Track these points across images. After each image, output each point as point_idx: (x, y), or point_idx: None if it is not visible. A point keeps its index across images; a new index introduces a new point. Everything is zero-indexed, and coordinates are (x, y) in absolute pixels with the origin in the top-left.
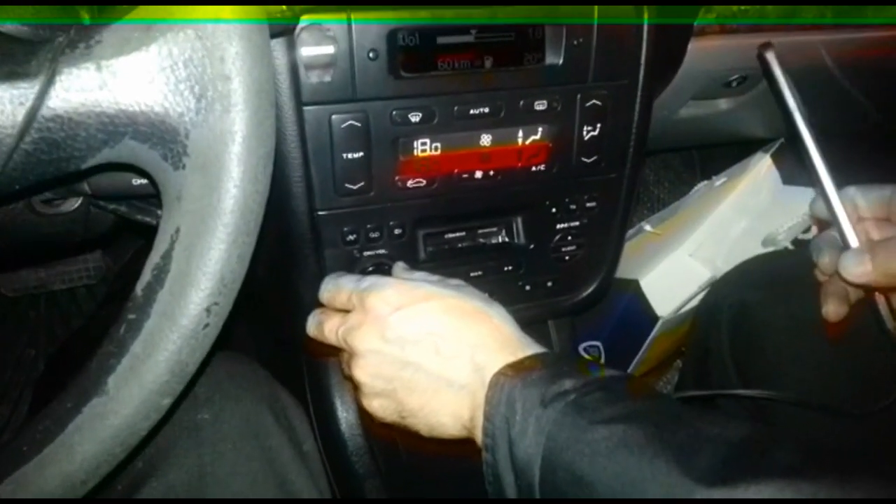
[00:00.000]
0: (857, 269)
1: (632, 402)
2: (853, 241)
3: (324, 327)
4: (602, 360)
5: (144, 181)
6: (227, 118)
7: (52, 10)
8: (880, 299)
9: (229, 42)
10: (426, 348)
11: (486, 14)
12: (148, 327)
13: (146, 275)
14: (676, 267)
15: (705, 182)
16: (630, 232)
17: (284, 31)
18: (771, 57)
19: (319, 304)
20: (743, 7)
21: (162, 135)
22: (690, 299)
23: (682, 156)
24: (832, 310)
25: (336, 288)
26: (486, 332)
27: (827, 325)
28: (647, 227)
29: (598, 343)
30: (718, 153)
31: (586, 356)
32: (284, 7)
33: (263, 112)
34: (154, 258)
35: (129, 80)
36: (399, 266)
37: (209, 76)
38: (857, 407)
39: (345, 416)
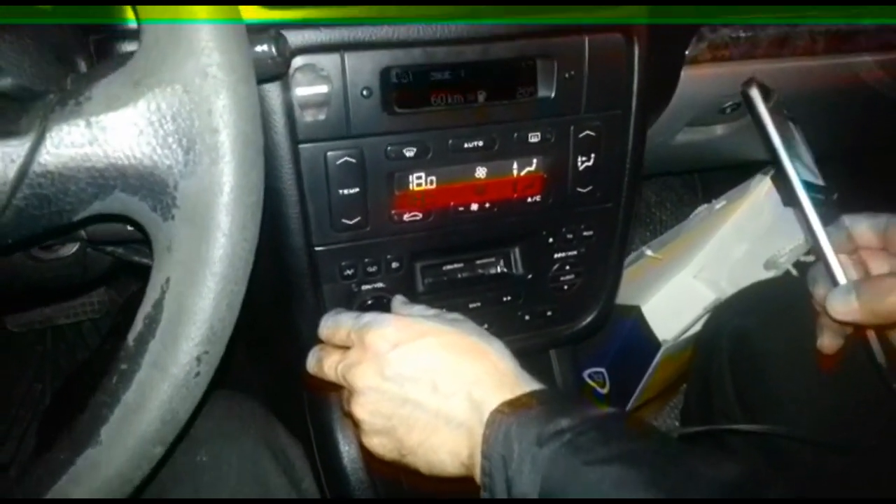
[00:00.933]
0: (843, 309)
1: (627, 441)
2: (840, 278)
3: (323, 364)
4: (607, 387)
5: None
6: (214, 170)
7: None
8: (871, 335)
9: (216, 95)
10: (424, 386)
11: (477, 51)
12: (139, 378)
13: (138, 324)
14: (680, 290)
15: (705, 205)
16: (631, 257)
17: (276, 76)
18: (755, 94)
19: (319, 340)
20: (734, 35)
21: (151, 187)
22: (695, 322)
23: (683, 177)
24: (827, 342)
25: (335, 325)
26: (484, 369)
27: (822, 356)
28: (648, 252)
29: (602, 370)
30: (719, 174)
31: (591, 383)
32: (275, 54)
33: (251, 163)
34: (145, 308)
35: (119, 134)
36: (398, 300)
37: (197, 129)
38: (849, 442)
39: (347, 450)
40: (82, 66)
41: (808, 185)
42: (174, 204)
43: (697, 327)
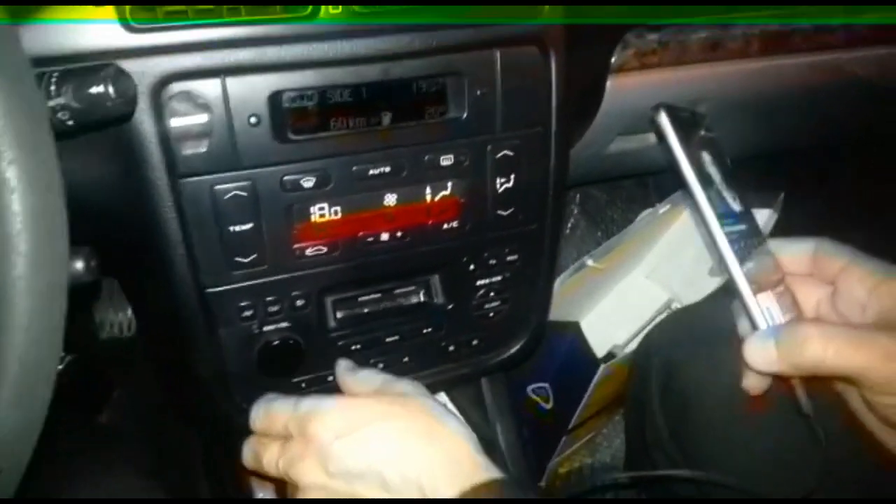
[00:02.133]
0: (761, 360)
1: None
2: (759, 322)
3: (262, 459)
4: (551, 402)
5: None
6: None
7: None
8: (796, 382)
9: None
10: (372, 482)
11: (378, 70)
12: None
13: None
14: (631, 291)
15: (649, 210)
16: (571, 268)
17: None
18: (664, 121)
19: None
20: (662, 41)
21: None
22: (648, 324)
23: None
24: (752, 383)
25: (269, 414)
26: (437, 456)
27: (749, 395)
28: (590, 262)
29: (545, 385)
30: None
31: (535, 398)
32: (113, 95)
33: (45, 245)
34: None
35: None
36: (342, 365)
37: None
38: (776, 490)
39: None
40: None
41: (727, 215)
42: None
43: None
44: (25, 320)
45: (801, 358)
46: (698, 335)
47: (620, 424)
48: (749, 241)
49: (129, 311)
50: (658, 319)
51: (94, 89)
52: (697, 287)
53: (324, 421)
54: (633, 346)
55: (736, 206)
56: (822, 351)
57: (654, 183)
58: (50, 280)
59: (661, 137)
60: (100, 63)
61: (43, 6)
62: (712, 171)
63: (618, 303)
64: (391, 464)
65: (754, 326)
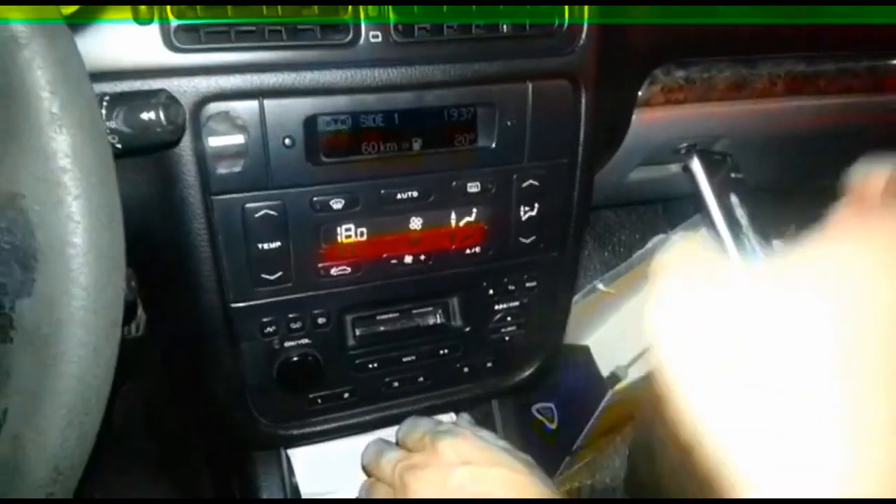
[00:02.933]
0: None
1: None
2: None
3: (381, 458)
4: (555, 423)
5: None
6: (58, 288)
7: None
8: None
9: (60, 206)
10: None
11: (411, 98)
12: None
13: None
14: (634, 316)
15: (661, 236)
16: (582, 292)
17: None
18: (696, 168)
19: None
20: (688, 77)
21: None
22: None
23: None
24: None
25: (413, 425)
26: None
27: None
28: (601, 286)
29: (551, 405)
30: None
31: (540, 417)
32: (164, 122)
33: (106, 279)
34: None
35: None
36: (464, 417)
37: (38, 242)
38: None
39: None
40: None
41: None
42: (11, 325)
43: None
44: (83, 352)
45: None
46: None
47: (622, 446)
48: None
49: (139, 312)
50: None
51: (145, 115)
52: None
53: (455, 444)
54: (637, 367)
55: (761, 250)
56: None
57: (664, 207)
58: (107, 314)
59: (693, 180)
60: (150, 89)
61: (89, 24)
62: (740, 213)
63: (623, 324)
64: None
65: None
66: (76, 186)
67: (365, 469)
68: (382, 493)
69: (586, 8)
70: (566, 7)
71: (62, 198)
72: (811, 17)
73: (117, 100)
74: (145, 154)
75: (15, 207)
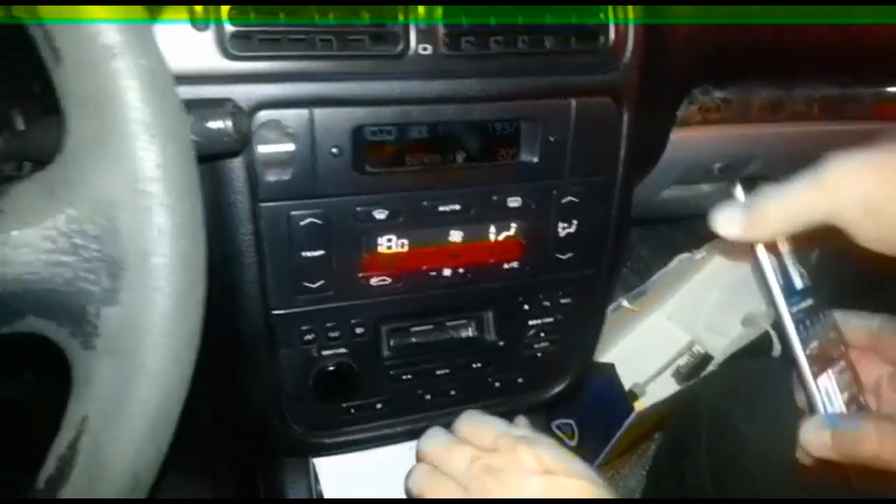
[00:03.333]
0: (817, 445)
1: None
2: (818, 406)
3: (452, 452)
4: (575, 440)
5: None
6: (144, 297)
7: None
8: (852, 472)
9: (149, 214)
10: None
11: (457, 111)
12: None
13: (50, 464)
14: (653, 331)
15: (687, 255)
16: (609, 309)
17: (232, 153)
18: (739, 194)
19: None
20: (725, 98)
21: (70, 313)
22: (668, 366)
23: None
24: (804, 457)
25: (482, 425)
26: None
27: (799, 464)
28: (625, 304)
29: (571, 421)
30: None
31: (559, 434)
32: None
33: (189, 288)
34: (59, 447)
35: (32, 254)
36: (521, 421)
37: (126, 250)
38: None
39: None
40: (20, 123)
41: (793, 292)
42: (96, 333)
43: (671, 389)
44: (165, 361)
45: (855, 452)
46: (756, 391)
47: (637, 464)
48: (814, 318)
49: None
50: (679, 361)
51: (214, 124)
52: (721, 331)
53: (537, 452)
54: (655, 385)
55: (801, 282)
56: (878, 448)
57: (686, 226)
58: (190, 323)
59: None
60: (216, 97)
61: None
62: (780, 242)
63: (640, 342)
64: None
65: (812, 409)
66: (166, 195)
67: (422, 456)
68: (450, 490)
69: (630, 8)
70: (610, 7)
71: (151, 207)
72: (848, 17)
73: (186, 108)
74: (205, 162)
75: (105, 215)
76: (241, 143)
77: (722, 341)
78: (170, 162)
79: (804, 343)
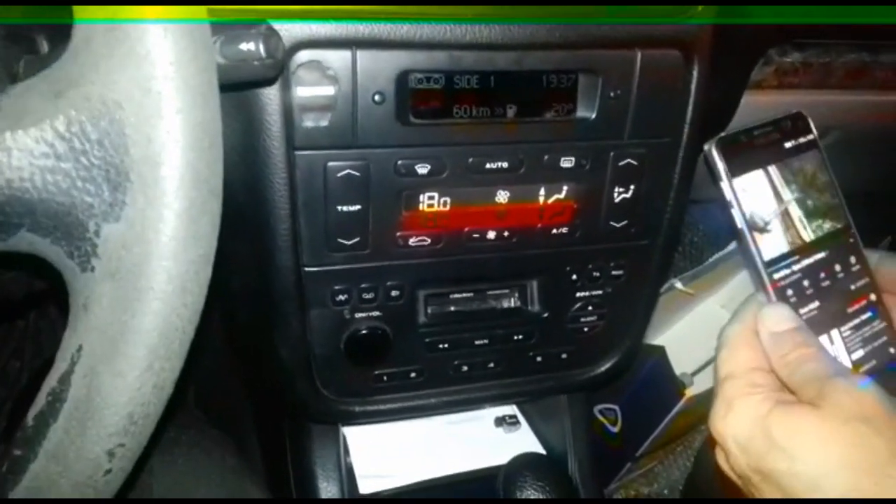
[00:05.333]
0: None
1: None
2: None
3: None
4: (619, 425)
5: None
6: (150, 213)
7: None
8: None
9: (159, 117)
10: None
11: (511, 59)
12: (33, 470)
13: (40, 400)
14: (705, 319)
15: None
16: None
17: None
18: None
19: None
20: (806, 61)
21: (67, 229)
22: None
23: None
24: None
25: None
26: None
27: None
28: (679, 285)
29: (615, 406)
30: None
31: (601, 418)
32: (263, 54)
33: (200, 207)
34: (51, 380)
35: (28, 159)
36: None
37: (131, 160)
38: None
39: (325, 485)
40: (44, 46)
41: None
42: (94, 253)
43: None
44: (170, 288)
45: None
46: None
47: (682, 455)
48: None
49: None
50: None
51: (244, 45)
52: None
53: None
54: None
55: (807, 235)
56: None
57: None
58: (199, 247)
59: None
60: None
61: None
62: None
63: (690, 329)
64: None
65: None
66: (179, 99)
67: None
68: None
69: None
70: None
71: (163, 111)
72: None
73: (214, 29)
74: (236, 91)
75: (109, 118)
76: (274, 69)
77: None
78: (186, 62)
79: (799, 308)
